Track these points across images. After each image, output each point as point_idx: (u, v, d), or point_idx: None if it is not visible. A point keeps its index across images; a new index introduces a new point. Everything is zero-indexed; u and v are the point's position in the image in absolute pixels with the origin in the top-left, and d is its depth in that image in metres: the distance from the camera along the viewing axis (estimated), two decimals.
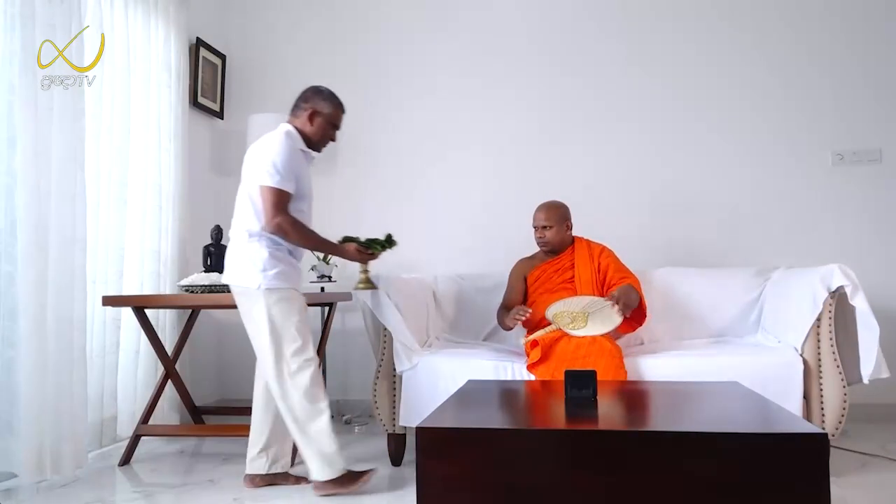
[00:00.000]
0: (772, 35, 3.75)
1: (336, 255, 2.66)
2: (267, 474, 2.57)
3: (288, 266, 2.45)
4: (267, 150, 2.41)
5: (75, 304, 2.71)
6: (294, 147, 2.44)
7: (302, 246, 2.50)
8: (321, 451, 2.39)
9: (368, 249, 2.65)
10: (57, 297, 2.62)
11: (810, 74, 3.70)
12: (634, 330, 2.98)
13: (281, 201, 2.38)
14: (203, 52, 3.91)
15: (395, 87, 4.04)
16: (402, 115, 4.03)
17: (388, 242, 2.69)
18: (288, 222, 2.39)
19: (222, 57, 4.10)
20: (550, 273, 3.01)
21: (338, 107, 2.58)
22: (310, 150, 2.57)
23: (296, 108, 2.56)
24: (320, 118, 2.53)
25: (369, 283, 2.76)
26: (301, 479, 2.56)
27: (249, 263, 2.40)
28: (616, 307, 2.71)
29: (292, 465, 2.72)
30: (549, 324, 2.77)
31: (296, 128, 2.52)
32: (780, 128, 3.71)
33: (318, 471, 2.39)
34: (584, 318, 2.78)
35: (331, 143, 2.63)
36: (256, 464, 2.58)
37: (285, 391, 2.40)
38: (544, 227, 3.01)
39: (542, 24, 3.95)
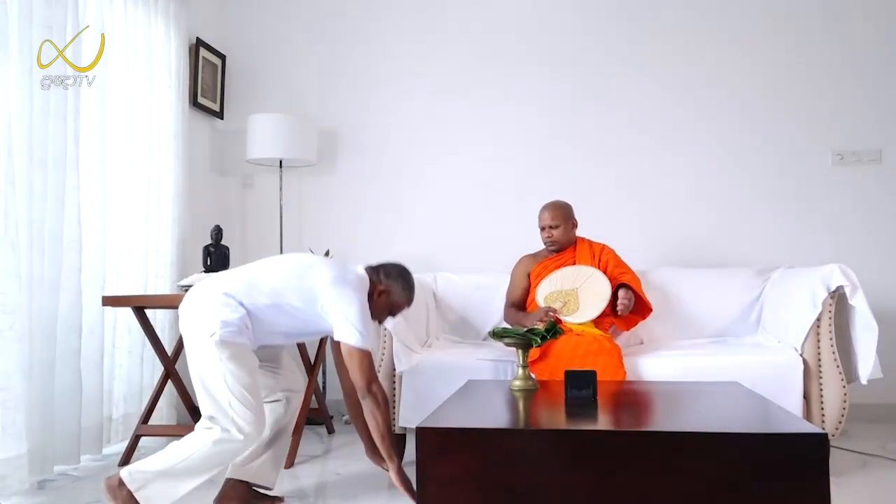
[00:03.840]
0: (771, 36, 3.75)
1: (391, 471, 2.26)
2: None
3: (248, 331, 2.16)
4: (340, 297, 2.19)
5: (64, 304, 2.70)
6: (364, 301, 2.25)
7: (381, 421, 2.24)
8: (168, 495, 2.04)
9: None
10: (43, 296, 2.61)
11: (810, 75, 3.70)
12: (637, 325, 3.02)
13: (372, 365, 2.23)
14: (203, 52, 3.91)
15: (396, 86, 4.03)
16: (403, 114, 4.02)
17: None
18: (383, 396, 2.23)
19: (222, 57, 4.10)
20: (552, 269, 3.04)
21: (408, 301, 2.45)
22: None
23: (378, 270, 2.39)
24: (385, 299, 2.39)
25: None
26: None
27: (211, 314, 2.12)
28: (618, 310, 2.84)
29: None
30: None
31: (371, 282, 2.35)
32: (780, 128, 3.71)
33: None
34: (574, 298, 2.81)
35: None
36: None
37: (201, 434, 2.07)
38: (551, 227, 3.05)
39: (544, 24, 3.94)
